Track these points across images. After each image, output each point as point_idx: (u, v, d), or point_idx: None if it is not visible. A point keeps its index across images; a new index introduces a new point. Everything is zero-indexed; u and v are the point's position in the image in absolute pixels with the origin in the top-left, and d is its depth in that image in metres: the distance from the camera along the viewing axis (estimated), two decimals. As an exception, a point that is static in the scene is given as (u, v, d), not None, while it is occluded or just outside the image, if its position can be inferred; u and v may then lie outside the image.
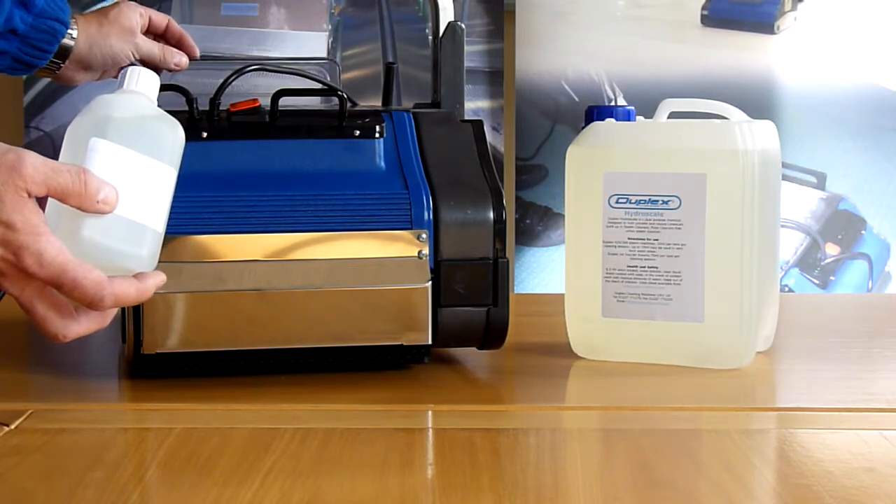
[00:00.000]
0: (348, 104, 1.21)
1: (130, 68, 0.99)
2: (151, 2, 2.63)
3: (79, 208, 0.92)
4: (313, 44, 2.71)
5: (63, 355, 1.33)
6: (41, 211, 0.92)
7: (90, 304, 0.93)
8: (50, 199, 0.92)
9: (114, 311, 0.96)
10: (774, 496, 0.90)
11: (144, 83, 0.99)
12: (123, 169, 0.94)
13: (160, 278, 0.96)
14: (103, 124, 0.94)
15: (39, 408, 1.09)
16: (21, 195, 0.90)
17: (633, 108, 1.28)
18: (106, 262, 0.93)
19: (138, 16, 1.34)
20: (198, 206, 1.14)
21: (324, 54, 2.71)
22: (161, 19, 1.36)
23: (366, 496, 0.88)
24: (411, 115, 1.24)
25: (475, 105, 2.69)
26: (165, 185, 0.96)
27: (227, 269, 1.14)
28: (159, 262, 0.97)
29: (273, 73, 1.24)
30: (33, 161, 0.91)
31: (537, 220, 2.70)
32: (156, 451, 0.98)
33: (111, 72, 1.35)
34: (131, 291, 0.94)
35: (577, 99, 2.68)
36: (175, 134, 0.97)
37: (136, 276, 0.95)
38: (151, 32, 1.36)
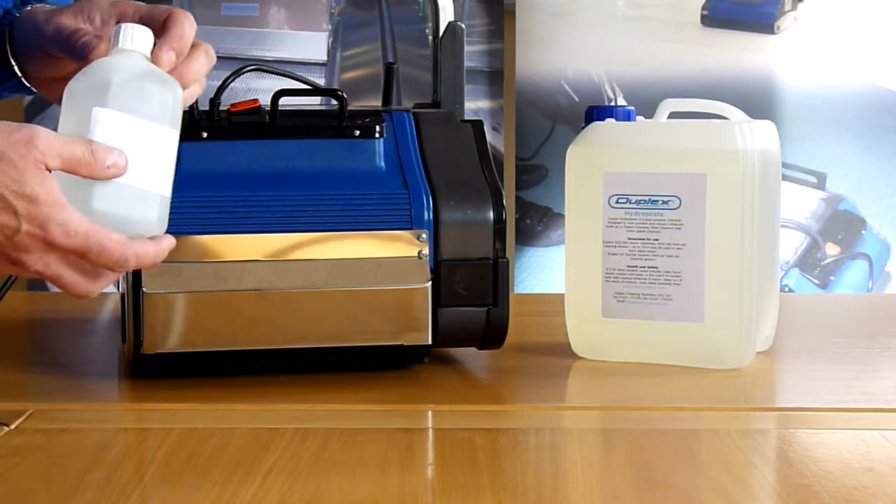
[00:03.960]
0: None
1: (123, 26, 0.98)
2: (152, 2, 2.63)
3: (90, 177, 0.93)
4: (313, 44, 2.71)
5: (63, 355, 1.33)
6: (56, 183, 0.93)
7: (114, 265, 0.95)
8: (56, 175, 0.93)
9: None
10: (774, 496, 0.90)
11: (139, 40, 0.98)
12: (128, 136, 0.95)
13: (172, 241, 0.98)
14: (103, 92, 0.95)
15: (39, 408, 1.08)
16: (40, 168, 0.92)
17: (633, 108, 1.28)
18: (119, 230, 0.95)
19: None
20: (198, 206, 1.14)
21: (324, 55, 2.71)
22: (156, 13, 1.06)
23: (366, 496, 0.88)
24: (411, 115, 1.24)
25: (475, 105, 2.69)
26: (169, 148, 0.97)
27: (227, 269, 1.14)
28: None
29: (273, 74, 1.25)
30: (46, 134, 0.92)
31: (537, 220, 2.70)
32: (156, 451, 0.97)
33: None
34: (150, 251, 0.96)
35: (577, 99, 2.68)
36: (174, 93, 0.97)
37: (151, 238, 0.97)
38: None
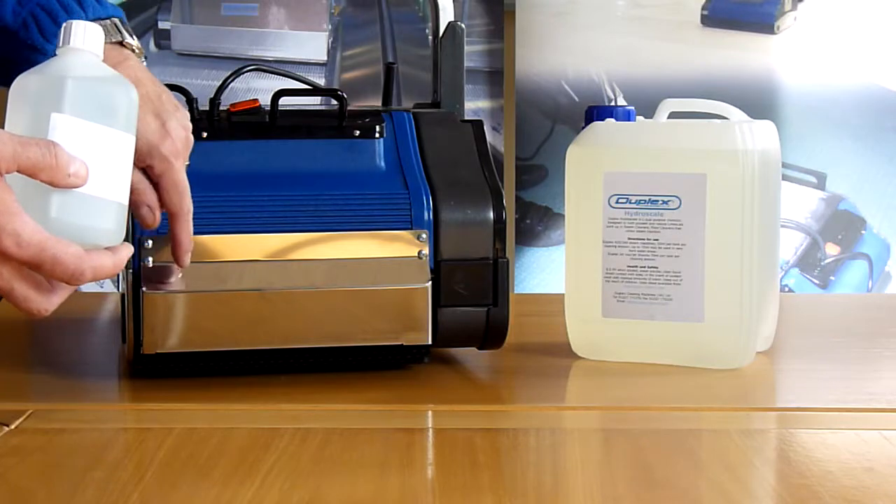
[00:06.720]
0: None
1: (74, 23, 0.94)
2: (152, 2, 2.63)
3: (50, 183, 0.90)
4: (313, 44, 2.71)
5: (63, 355, 1.33)
6: (12, 190, 0.89)
7: (70, 279, 0.92)
8: (13, 179, 0.90)
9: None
10: (774, 496, 0.90)
11: (91, 40, 0.95)
12: (86, 143, 0.92)
13: (130, 249, 0.96)
14: (59, 95, 0.92)
15: (39, 408, 1.08)
16: None
17: (633, 108, 1.28)
18: (76, 240, 0.92)
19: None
20: (198, 206, 1.14)
21: (324, 55, 2.71)
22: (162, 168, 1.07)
23: (366, 496, 0.88)
24: (411, 115, 1.24)
25: (475, 105, 2.69)
26: (126, 154, 0.95)
27: (227, 269, 1.14)
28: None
29: (274, 74, 1.25)
30: (0, 136, 0.89)
31: (537, 220, 2.70)
32: (156, 451, 0.97)
33: None
34: (108, 264, 0.94)
35: (577, 99, 2.68)
36: (129, 96, 0.95)
37: (109, 248, 0.94)
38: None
